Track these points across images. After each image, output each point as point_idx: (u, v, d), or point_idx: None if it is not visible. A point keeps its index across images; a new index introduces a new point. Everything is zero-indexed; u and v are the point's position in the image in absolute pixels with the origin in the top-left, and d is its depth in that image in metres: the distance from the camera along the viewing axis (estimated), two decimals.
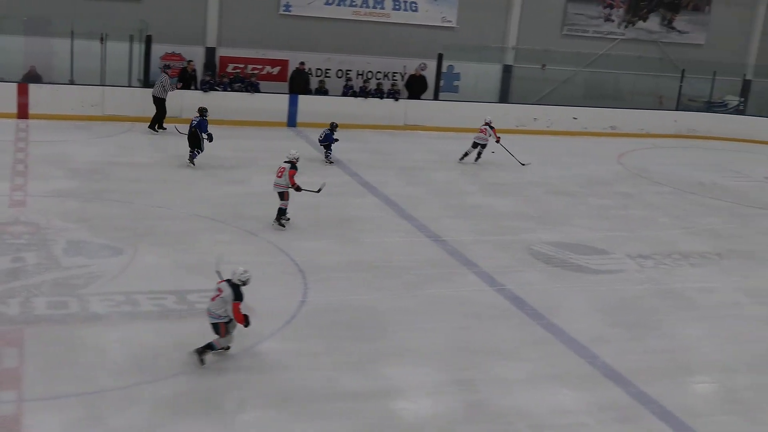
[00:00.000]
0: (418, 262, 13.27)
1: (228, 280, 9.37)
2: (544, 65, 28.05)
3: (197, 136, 17.83)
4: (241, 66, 24.30)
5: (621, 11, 29.20)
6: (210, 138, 17.78)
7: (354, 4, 25.76)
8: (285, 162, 14.35)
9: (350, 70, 25.83)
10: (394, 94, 24.50)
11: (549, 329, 11.17)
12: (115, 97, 21.88)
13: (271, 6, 25.09)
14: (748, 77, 30.46)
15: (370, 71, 26.02)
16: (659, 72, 29.14)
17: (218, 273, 9.61)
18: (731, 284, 13.56)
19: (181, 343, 9.73)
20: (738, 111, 29.63)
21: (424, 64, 25.73)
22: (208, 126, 17.89)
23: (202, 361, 9.27)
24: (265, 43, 24.89)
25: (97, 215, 14.12)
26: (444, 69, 25.95)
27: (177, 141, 20.12)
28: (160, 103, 21.40)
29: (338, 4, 25.61)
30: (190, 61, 23.07)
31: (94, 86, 22.08)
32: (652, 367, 10.34)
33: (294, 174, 14.12)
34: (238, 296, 9.27)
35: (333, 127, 19.59)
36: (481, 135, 20.62)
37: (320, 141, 19.47)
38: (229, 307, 9.23)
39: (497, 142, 20.54)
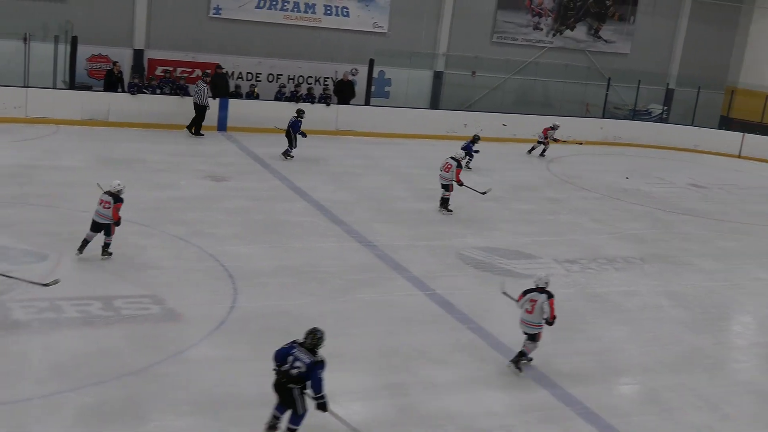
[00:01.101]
0: (348, 267, 13.29)
1: (536, 289, 10.31)
2: (474, 72, 28.39)
3: (291, 134, 20.32)
4: (170, 69, 24.00)
5: (549, 20, 29.72)
6: (303, 135, 20.34)
7: (285, 8, 25.69)
8: (452, 159, 16.95)
9: (281, 75, 25.74)
10: (325, 99, 24.49)
11: (478, 333, 11.29)
12: (40, 99, 21.42)
13: (201, 8, 24.87)
14: (671, 86, 31.29)
15: (301, 76, 25.95)
16: (586, 80, 29.76)
17: (505, 294, 10.63)
18: (653, 288, 13.89)
19: (107, 350, 9.59)
20: (661, 119, 30.40)
21: (356, 69, 25.79)
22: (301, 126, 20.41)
23: (520, 369, 10.13)
24: (195, 46, 24.66)
25: (20, 220, 13.81)
26: (375, 74, 26.04)
27: (105, 145, 19.84)
28: (200, 109, 22.21)
29: (269, 8, 25.51)
30: (116, 62, 22.72)
31: (18, 87, 21.58)
32: (578, 369, 10.54)
33: (459, 172, 16.80)
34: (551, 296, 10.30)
35: (475, 139, 21.55)
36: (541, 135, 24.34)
37: (462, 148, 19.97)
38: (547, 308, 10.14)
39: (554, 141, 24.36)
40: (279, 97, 24.22)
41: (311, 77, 26.11)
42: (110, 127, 21.70)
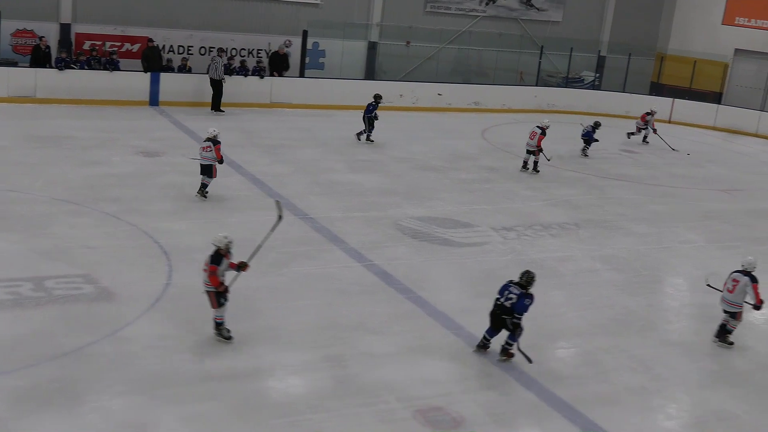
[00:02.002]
0: (285, 240, 13.18)
1: (741, 271, 10.78)
2: (408, 42, 28.33)
3: (370, 118, 20.61)
4: (99, 43, 23.47)
5: None
6: (376, 118, 20.61)
7: None
8: (537, 127, 18.79)
9: (213, 48, 25.33)
10: (259, 72, 24.21)
11: (416, 302, 11.36)
12: None
13: None
14: (603, 53, 31.62)
15: (234, 48, 25.60)
16: (519, 48, 29.91)
17: (709, 285, 11.24)
18: (588, 252, 14.12)
19: (39, 332, 9.42)
20: (594, 86, 30.75)
21: (289, 41, 25.53)
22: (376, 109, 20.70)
23: (730, 343, 10.89)
24: (124, 19, 24.13)
25: None
26: (309, 46, 25.81)
27: (33, 122, 19.36)
28: (216, 84, 22.42)
29: None
30: (42, 37, 22.13)
31: None
32: None
33: (542, 139, 18.62)
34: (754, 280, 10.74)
35: (596, 125, 21.65)
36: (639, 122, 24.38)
37: (582, 136, 20.40)
38: (750, 291, 10.64)
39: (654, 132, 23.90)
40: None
41: (244, 50, 25.78)
42: (38, 103, 21.16)
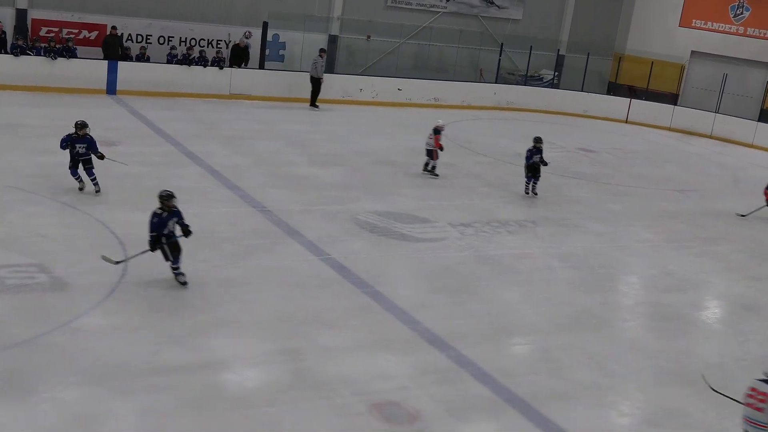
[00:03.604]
0: (242, 232, 13.15)
1: (765, 380, 7.47)
2: (369, 36, 28.30)
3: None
4: (56, 30, 23.12)
5: None
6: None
7: None
8: (432, 129, 18.26)
9: (173, 37, 25.10)
10: (218, 62, 24.03)
11: (373, 297, 11.35)
12: None
13: None
14: (562, 52, 31.91)
15: (193, 38, 25.38)
16: (480, 45, 30.05)
17: (715, 390, 8.35)
18: (545, 250, 14.22)
19: None
20: (552, 84, 31.00)
21: (249, 32, 25.38)
22: None
23: None
24: (81, 6, 23.80)
25: None
26: (269, 38, 25.68)
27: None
28: (315, 82, 24.03)
29: None
30: None
31: None
32: (472, 331, 10.71)
33: (439, 139, 18.10)
34: None
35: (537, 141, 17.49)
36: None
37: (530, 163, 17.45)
38: None
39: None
40: (170, 59, 23.67)
41: (204, 40, 25.57)
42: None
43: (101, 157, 14.05)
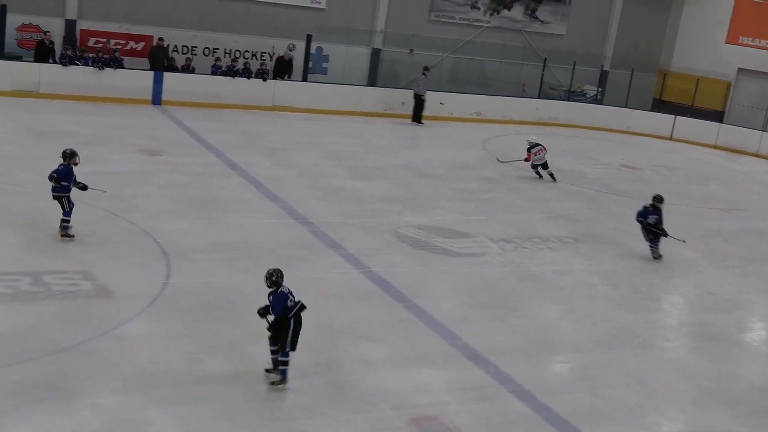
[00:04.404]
0: (283, 243, 13.21)
1: None
2: (411, 50, 28.34)
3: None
4: (103, 41, 23.48)
5: (487, 0, 29.77)
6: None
7: None
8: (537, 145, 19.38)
9: (218, 49, 25.36)
10: (262, 74, 24.22)
11: (413, 311, 11.34)
12: None
13: None
14: (606, 68, 31.69)
15: (238, 50, 25.62)
16: (523, 60, 29.93)
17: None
18: (586, 267, 14.11)
19: (36, 326, 9.39)
20: (596, 100, 30.79)
21: (293, 45, 25.56)
22: None
23: None
24: (129, 17, 24.13)
25: None
26: (313, 51, 25.84)
27: (35, 117, 19.33)
28: (418, 98, 24.99)
29: None
30: (47, 32, 22.14)
31: None
32: (512, 347, 10.65)
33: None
34: None
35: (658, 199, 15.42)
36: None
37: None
38: None
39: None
40: (215, 71, 23.90)
41: (248, 52, 25.79)
42: (41, 98, 21.14)
43: (83, 187, 12.30)
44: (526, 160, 19.67)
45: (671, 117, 29.04)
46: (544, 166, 19.81)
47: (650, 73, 31.79)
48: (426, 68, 25.77)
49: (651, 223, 14.77)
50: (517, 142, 24.55)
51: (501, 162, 18.85)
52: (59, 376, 8.50)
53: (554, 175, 19.84)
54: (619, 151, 25.27)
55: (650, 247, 14.95)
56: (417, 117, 25.27)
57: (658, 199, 14.93)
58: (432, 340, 10.55)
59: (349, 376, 9.38)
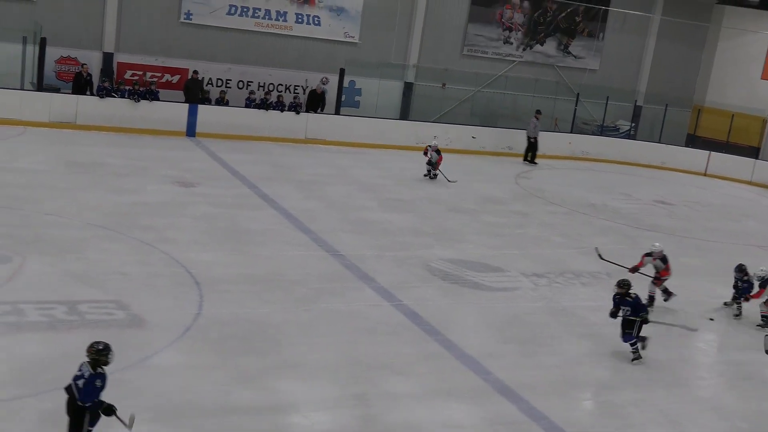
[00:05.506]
0: (314, 275, 13.23)
1: None
2: (444, 84, 28.46)
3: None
4: (140, 73, 23.84)
5: (519, 34, 29.89)
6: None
7: (257, 15, 25.60)
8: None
9: (251, 82, 25.65)
10: (295, 107, 24.43)
11: (443, 345, 11.28)
12: (7, 100, 21.14)
13: (172, 13, 24.71)
14: (639, 103, 31.59)
15: (271, 83, 25.88)
16: (555, 95, 29.93)
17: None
18: None
19: (69, 355, 9.39)
20: (629, 135, 30.65)
21: (326, 78, 25.75)
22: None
23: None
24: (165, 50, 24.51)
25: None
26: (346, 84, 26.03)
27: (72, 148, 19.61)
28: (529, 140, 26.14)
29: (240, 15, 25.40)
30: (84, 64, 22.52)
31: None
32: (543, 382, 10.55)
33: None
34: None
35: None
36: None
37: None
38: None
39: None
40: (248, 103, 24.13)
41: (281, 85, 26.04)
42: (78, 129, 21.48)
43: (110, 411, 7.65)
44: (634, 269, 14.13)
45: (706, 152, 28.83)
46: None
47: (684, 108, 31.63)
48: (538, 111, 26.66)
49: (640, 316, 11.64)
50: (549, 176, 24.53)
51: (601, 258, 14.61)
52: None
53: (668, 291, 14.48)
54: (652, 186, 25.12)
55: (631, 346, 11.58)
56: (530, 157, 26.24)
57: (623, 284, 11.78)
58: (462, 375, 10.48)
59: (378, 409, 9.33)
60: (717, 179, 27.98)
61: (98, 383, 7.37)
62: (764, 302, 13.84)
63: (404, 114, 28.06)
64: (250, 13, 25.49)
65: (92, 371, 7.37)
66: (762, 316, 13.82)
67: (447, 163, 21.57)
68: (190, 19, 24.80)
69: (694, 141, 30.92)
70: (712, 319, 13.99)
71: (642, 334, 11.57)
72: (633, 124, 31.16)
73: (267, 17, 25.75)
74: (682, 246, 18.44)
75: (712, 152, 28.79)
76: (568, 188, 23.13)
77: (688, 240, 19.14)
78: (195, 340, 10.37)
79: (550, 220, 19.17)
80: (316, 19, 26.39)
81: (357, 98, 27.28)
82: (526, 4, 29.76)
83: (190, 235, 14.31)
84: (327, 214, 16.94)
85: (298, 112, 24.34)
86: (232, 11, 25.25)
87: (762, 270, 13.89)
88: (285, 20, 26.01)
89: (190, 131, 23.00)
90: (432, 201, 19.33)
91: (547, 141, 27.73)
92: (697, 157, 28.82)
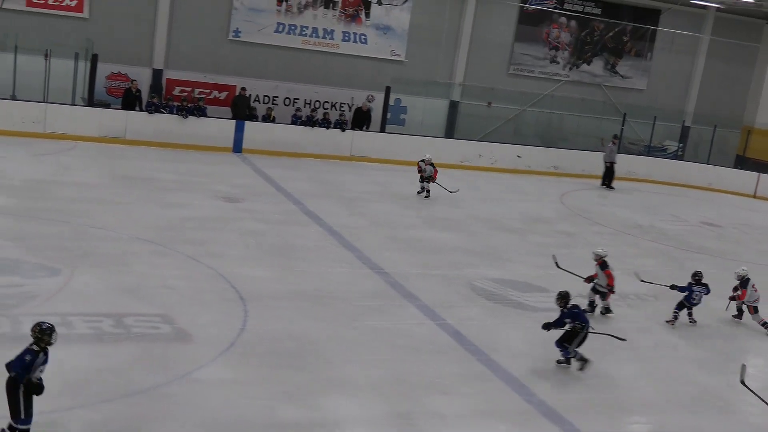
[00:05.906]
0: (359, 293, 13.23)
1: None
2: (490, 103, 28.45)
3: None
4: (188, 89, 24.15)
5: (566, 54, 29.79)
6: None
7: (304, 33, 25.84)
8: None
9: (298, 99, 25.85)
10: (341, 125, 24.55)
11: (487, 365, 11.19)
12: (58, 115, 21.58)
13: (221, 31, 25.04)
14: (687, 123, 31.26)
15: (317, 101, 26.06)
16: (602, 114, 29.76)
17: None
18: (667, 326, 13.76)
19: (116, 368, 9.54)
20: (676, 156, 30.33)
21: (372, 96, 25.88)
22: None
23: None
24: (213, 67, 24.82)
25: (33, 234, 13.83)
26: (391, 102, 26.12)
27: (121, 162, 19.90)
28: (607, 165, 26.04)
29: (288, 33, 25.66)
30: (134, 80, 22.89)
31: (37, 102, 21.76)
32: (588, 405, 10.42)
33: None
34: None
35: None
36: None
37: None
38: None
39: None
40: (295, 120, 24.33)
41: (327, 102, 26.22)
42: (127, 144, 21.83)
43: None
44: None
45: (755, 174, 28.39)
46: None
47: (733, 129, 31.22)
48: (615, 136, 26.70)
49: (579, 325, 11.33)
50: (595, 196, 24.34)
51: (558, 266, 14.38)
52: (137, 418, 8.60)
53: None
54: (699, 207, 24.80)
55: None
56: (607, 182, 26.11)
57: (561, 296, 11.59)
58: (507, 396, 10.39)
59: (423, 428, 9.28)
60: (767, 202, 27.51)
61: (27, 357, 7.45)
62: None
63: (449, 132, 28.07)
64: (298, 31, 25.74)
65: (30, 346, 7.54)
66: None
67: (494, 182, 21.51)
68: (239, 37, 25.11)
69: (743, 162, 30.48)
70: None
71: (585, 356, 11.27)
72: (681, 145, 30.83)
73: (314, 35, 25.97)
74: (730, 269, 18.05)
75: (761, 174, 28.34)
76: (614, 208, 22.92)
77: (737, 263, 18.73)
78: (240, 356, 10.41)
79: (595, 240, 18.94)
80: (362, 37, 26.56)
81: (402, 116, 27.37)
82: (573, 23, 29.66)
83: (236, 251, 14.41)
84: (371, 232, 16.96)
85: (343, 130, 24.46)
86: (280, 29, 25.51)
87: (743, 270, 14.61)
88: (332, 38, 26.21)
89: (237, 147, 23.23)
90: (477, 220, 19.26)
91: (593, 160, 27.53)
92: (747, 178, 28.39)
